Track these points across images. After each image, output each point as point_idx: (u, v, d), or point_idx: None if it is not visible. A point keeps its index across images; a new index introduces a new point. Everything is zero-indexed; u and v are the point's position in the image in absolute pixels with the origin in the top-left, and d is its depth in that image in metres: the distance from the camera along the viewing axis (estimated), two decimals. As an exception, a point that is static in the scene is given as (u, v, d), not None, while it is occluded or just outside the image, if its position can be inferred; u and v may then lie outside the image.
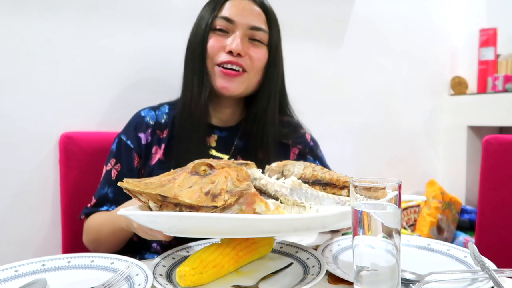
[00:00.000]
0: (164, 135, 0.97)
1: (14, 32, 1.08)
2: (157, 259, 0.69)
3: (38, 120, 1.12)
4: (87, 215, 0.96)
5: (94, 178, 1.12)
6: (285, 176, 0.74)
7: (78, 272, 0.68)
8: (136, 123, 0.97)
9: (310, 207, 0.67)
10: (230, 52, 0.90)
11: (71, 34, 1.15)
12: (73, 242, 1.13)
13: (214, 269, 0.63)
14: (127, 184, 0.62)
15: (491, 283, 0.61)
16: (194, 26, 0.98)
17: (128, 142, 0.95)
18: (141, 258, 0.96)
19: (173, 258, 0.72)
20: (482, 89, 2.06)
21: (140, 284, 0.60)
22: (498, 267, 0.66)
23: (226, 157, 0.99)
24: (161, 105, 1.02)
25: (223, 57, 0.91)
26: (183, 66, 0.98)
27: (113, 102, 1.23)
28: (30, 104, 1.11)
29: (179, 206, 0.61)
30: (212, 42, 0.92)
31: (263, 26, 0.94)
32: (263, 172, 0.77)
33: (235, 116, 1.02)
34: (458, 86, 2.15)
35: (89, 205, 0.97)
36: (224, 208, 0.61)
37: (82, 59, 1.18)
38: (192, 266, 0.61)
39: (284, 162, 0.78)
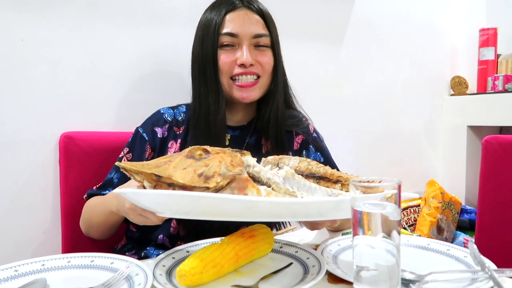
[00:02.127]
0: (181, 131, 1.03)
1: (14, 32, 1.08)
2: (157, 259, 0.69)
3: (38, 120, 1.12)
4: (90, 195, 1.00)
5: (94, 178, 1.12)
6: (280, 168, 0.75)
7: (78, 272, 0.68)
8: (155, 119, 1.03)
9: (302, 197, 0.67)
10: (242, 65, 0.96)
11: (71, 34, 1.15)
12: (73, 242, 1.13)
13: (214, 269, 0.63)
14: (125, 163, 0.64)
15: (491, 283, 0.61)
16: (198, 43, 1.00)
17: (144, 134, 1.01)
18: (146, 253, 0.97)
19: (173, 258, 0.72)
20: (482, 89, 2.05)
21: (140, 284, 0.60)
22: (498, 267, 0.66)
23: None
24: (179, 105, 1.08)
25: (237, 70, 0.97)
26: (191, 79, 1.02)
27: (113, 102, 1.24)
28: (30, 104, 1.11)
29: (172, 186, 0.62)
30: (223, 58, 0.97)
31: (264, 31, 0.99)
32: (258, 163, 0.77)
33: (247, 116, 1.07)
34: (458, 86, 2.15)
35: (94, 188, 1.00)
36: (216, 191, 0.63)
37: (82, 59, 1.17)
38: (192, 266, 0.61)
39: (281, 155, 0.78)
